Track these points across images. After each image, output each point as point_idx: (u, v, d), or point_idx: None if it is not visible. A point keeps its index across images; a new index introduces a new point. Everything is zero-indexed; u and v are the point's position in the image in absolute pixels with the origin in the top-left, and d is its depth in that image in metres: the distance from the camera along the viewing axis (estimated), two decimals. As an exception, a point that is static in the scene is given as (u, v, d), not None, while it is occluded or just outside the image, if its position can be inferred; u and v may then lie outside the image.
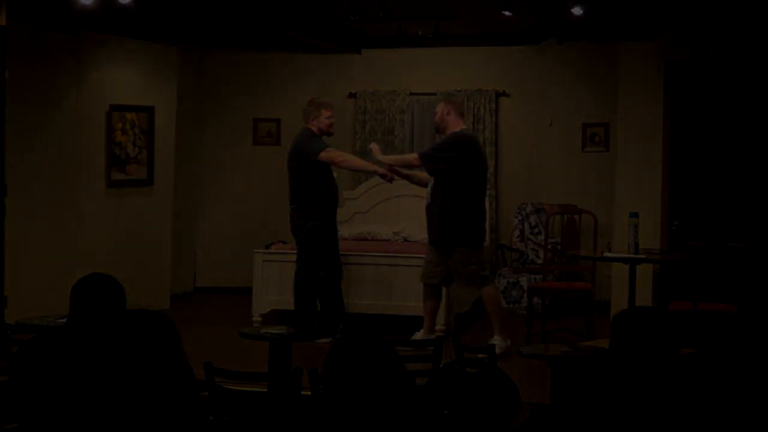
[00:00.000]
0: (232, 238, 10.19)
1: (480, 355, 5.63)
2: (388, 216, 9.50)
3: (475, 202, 7.27)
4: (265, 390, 5.61)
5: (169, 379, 2.79)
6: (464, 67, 9.88)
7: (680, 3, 7.80)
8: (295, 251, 7.72)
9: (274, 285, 8.19)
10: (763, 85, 8.22)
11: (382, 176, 7.70)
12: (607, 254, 7.54)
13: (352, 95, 10.06)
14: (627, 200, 8.31)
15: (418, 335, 7.38)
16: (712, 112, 8.50)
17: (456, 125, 7.29)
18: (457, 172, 7.17)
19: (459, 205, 7.17)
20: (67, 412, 2.94)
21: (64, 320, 3.86)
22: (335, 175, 7.75)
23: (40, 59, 7.95)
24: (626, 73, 8.68)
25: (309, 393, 5.54)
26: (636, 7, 7.97)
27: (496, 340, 7.17)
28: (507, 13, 7.91)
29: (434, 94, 9.57)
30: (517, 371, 6.04)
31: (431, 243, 7.40)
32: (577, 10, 7.73)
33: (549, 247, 8.57)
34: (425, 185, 7.43)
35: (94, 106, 8.55)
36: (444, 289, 7.54)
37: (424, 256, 7.57)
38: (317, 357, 6.64)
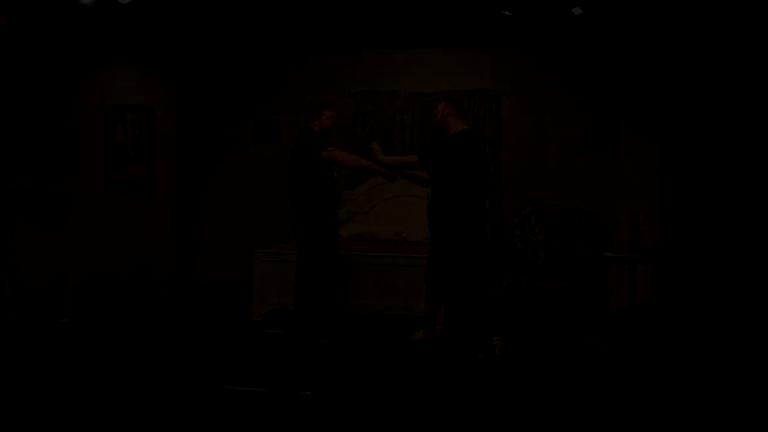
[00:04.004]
0: (232, 238, 10.20)
1: (480, 355, 5.63)
2: (388, 216, 9.50)
3: (475, 202, 7.27)
4: (265, 390, 5.61)
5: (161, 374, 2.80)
6: (464, 67, 9.88)
7: (680, 6, 7.81)
8: (296, 251, 7.73)
9: (274, 285, 8.19)
10: (763, 83, 8.23)
11: (384, 176, 7.70)
12: (607, 254, 7.55)
13: (352, 95, 10.06)
14: (627, 200, 8.32)
15: (419, 335, 7.39)
16: (712, 112, 8.51)
17: (457, 125, 7.29)
18: (458, 173, 7.17)
19: (459, 206, 7.17)
20: (69, 410, 2.95)
21: (65, 320, 3.86)
22: (335, 175, 7.75)
23: (41, 59, 7.95)
24: (626, 72, 8.68)
25: (309, 393, 5.55)
26: (635, 9, 7.98)
27: (496, 340, 7.18)
28: (507, 13, 7.91)
29: (434, 94, 9.57)
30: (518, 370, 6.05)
31: (432, 243, 7.41)
32: (577, 10, 7.74)
33: (549, 247, 8.57)
34: (427, 185, 7.43)
35: (94, 106, 8.56)
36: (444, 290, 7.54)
37: (424, 256, 7.58)
38: (317, 357, 6.65)
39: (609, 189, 8.93)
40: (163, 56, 9.34)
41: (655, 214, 8.42)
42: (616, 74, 8.84)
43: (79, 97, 8.43)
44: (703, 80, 8.47)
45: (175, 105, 9.52)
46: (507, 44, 9.66)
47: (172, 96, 9.47)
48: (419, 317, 7.54)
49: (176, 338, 3.08)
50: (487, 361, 6.69)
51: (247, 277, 8.55)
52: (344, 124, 9.52)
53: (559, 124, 9.67)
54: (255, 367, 6.25)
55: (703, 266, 7.88)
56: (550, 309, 8.28)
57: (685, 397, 4.03)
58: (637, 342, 3.07)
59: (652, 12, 8.07)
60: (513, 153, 9.82)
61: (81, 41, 8.35)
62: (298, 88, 9.96)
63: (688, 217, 8.50)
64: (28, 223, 7.84)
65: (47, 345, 3.34)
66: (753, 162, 8.40)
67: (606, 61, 9.20)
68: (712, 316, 7.30)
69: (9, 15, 7.15)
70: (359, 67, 10.10)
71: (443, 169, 7.19)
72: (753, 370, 6.21)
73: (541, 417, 5.32)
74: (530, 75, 9.76)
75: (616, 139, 8.96)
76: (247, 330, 7.78)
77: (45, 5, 7.75)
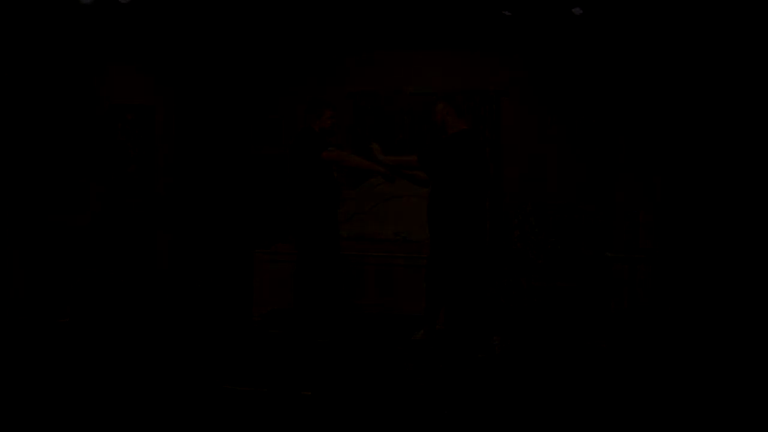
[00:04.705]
0: (233, 238, 10.21)
1: (480, 355, 5.64)
2: (388, 216, 9.51)
3: (475, 202, 7.27)
4: (265, 390, 5.62)
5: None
6: (464, 67, 9.90)
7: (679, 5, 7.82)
8: (296, 251, 7.73)
9: (274, 285, 8.20)
10: (763, 82, 8.24)
11: (384, 176, 7.71)
12: (608, 254, 7.55)
13: (352, 95, 10.07)
14: (627, 200, 8.32)
15: (419, 335, 7.40)
16: (712, 112, 8.52)
17: (457, 125, 7.30)
18: (457, 173, 7.18)
19: (459, 206, 7.18)
20: (69, 410, 2.96)
21: (65, 320, 3.88)
22: (335, 175, 7.76)
23: (41, 59, 7.96)
24: (627, 72, 8.70)
25: (309, 393, 5.56)
26: (636, 8, 7.99)
27: (496, 340, 7.19)
28: (507, 13, 7.92)
29: (434, 94, 9.57)
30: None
31: (432, 243, 7.41)
32: (577, 11, 7.74)
33: (549, 246, 8.58)
34: (427, 185, 7.44)
35: (94, 106, 8.57)
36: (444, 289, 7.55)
37: (424, 256, 7.59)
38: (318, 357, 6.64)
39: (609, 189, 8.94)
40: (163, 56, 9.35)
41: (655, 214, 8.43)
42: (616, 74, 8.85)
43: (80, 97, 8.44)
44: (703, 80, 8.48)
45: (174, 105, 9.53)
46: (507, 44, 9.67)
47: (172, 96, 9.48)
48: (419, 317, 7.55)
49: (176, 338, 3.09)
50: (487, 361, 6.69)
51: (247, 277, 8.56)
52: (344, 124, 9.53)
53: (560, 124, 9.68)
54: (255, 367, 6.25)
55: (702, 266, 7.88)
56: (550, 309, 8.29)
57: (684, 396, 4.04)
58: (637, 342, 3.08)
59: (652, 11, 8.07)
60: (513, 153, 9.83)
61: (81, 41, 8.36)
62: (299, 88, 9.98)
63: (688, 217, 8.51)
64: (27, 223, 7.84)
65: (47, 345, 3.35)
66: (753, 162, 8.41)
67: (606, 60, 9.21)
68: (711, 316, 7.31)
69: (9, 15, 7.16)
70: (359, 67, 10.11)
71: (443, 170, 7.20)
72: (752, 370, 6.22)
73: (541, 417, 5.33)
74: (531, 75, 9.77)
75: (617, 139, 8.97)
76: (247, 330, 7.79)
77: (45, 5, 7.75)
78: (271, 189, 9.92)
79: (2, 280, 7.54)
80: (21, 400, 5.24)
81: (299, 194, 7.61)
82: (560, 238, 8.79)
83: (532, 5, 8.02)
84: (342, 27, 9.45)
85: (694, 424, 5.11)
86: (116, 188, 8.82)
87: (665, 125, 8.58)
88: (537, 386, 5.95)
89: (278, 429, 5.00)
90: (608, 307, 8.45)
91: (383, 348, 7.15)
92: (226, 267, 10.13)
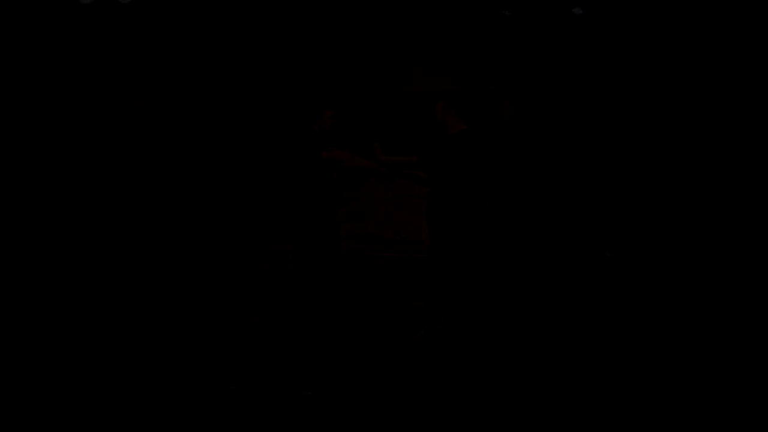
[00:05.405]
0: (233, 238, 10.19)
1: (480, 355, 5.64)
2: (388, 216, 9.51)
3: (475, 202, 7.28)
4: (265, 390, 5.62)
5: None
6: (464, 67, 9.89)
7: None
8: (296, 251, 7.73)
9: (274, 285, 8.20)
10: (762, 82, 8.24)
11: (384, 175, 7.72)
12: (608, 254, 7.55)
13: (352, 95, 10.06)
14: (627, 200, 8.31)
15: (419, 335, 7.40)
16: (711, 112, 8.51)
17: (457, 125, 7.31)
18: (456, 173, 7.18)
19: (459, 206, 7.18)
20: (69, 409, 2.96)
21: (65, 320, 3.88)
22: (335, 175, 7.76)
23: (41, 59, 7.96)
24: (627, 72, 8.69)
25: (309, 393, 5.56)
26: (635, 8, 7.99)
27: (496, 341, 7.19)
28: (507, 13, 7.92)
29: (434, 94, 9.55)
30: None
31: (432, 242, 7.42)
32: (577, 11, 7.74)
33: (549, 246, 8.58)
34: (428, 185, 7.45)
35: (94, 106, 8.56)
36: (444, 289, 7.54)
37: (424, 256, 7.59)
38: (317, 357, 6.64)
39: (609, 189, 8.93)
40: (163, 56, 9.34)
41: (654, 214, 8.42)
42: (617, 73, 8.84)
43: (79, 97, 8.44)
44: (703, 80, 8.47)
45: (174, 105, 9.52)
46: (507, 44, 9.66)
47: (172, 96, 9.48)
48: (419, 317, 7.55)
49: (176, 338, 3.10)
50: (486, 361, 6.70)
51: (247, 277, 8.56)
52: (344, 124, 9.52)
53: (560, 123, 9.67)
54: (255, 367, 6.26)
55: (702, 266, 7.89)
56: (550, 309, 8.29)
57: (684, 395, 4.05)
58: (636, 342, 3.09)
59: (652, 11, 8.07)
60: (513, 153, 9.81)
61: (81, 41, 8.36)
62: (299, 88, 9.96)
63: (688, 217, 8.51)
64: (27, 223, 7.84)
65: (47, 345, 3.36)
66: (752, 162, 8.40)
67: (607, 60, 9.20)
68: (711, 315, 7.31)
69: (9, 15, 7.16)
70: (359, 67, 10.10)
71: (443, 169, 7.21)
72: (752, 370, 6.22)
73: (541, 417, 5.33)
74: (531, 75, 9.76)
75: (617, 138, 8.96)
76: (247, 330, 7.79)
77: (46, 6, 7.76)
78: (271, 189, 9.92)
79: (2, 280, 7.55)
80: (21, 400, 5.24)
81: (299, 194, 7.60)
82: (560, 238, 8.78)
83: (532, 5, 8.02)
84: (342, 27, 9.45)
85: (694, 424, 5.11)
86: (116, 188, 8.82)
87: (665, 124, 8.58)
88: (537, 386, 5.95)
89: (278, 429, 5.00)
90: (607, 307, 8.45)
91: (383, 348, 7.15)
92: (226, 266, 10.12)
